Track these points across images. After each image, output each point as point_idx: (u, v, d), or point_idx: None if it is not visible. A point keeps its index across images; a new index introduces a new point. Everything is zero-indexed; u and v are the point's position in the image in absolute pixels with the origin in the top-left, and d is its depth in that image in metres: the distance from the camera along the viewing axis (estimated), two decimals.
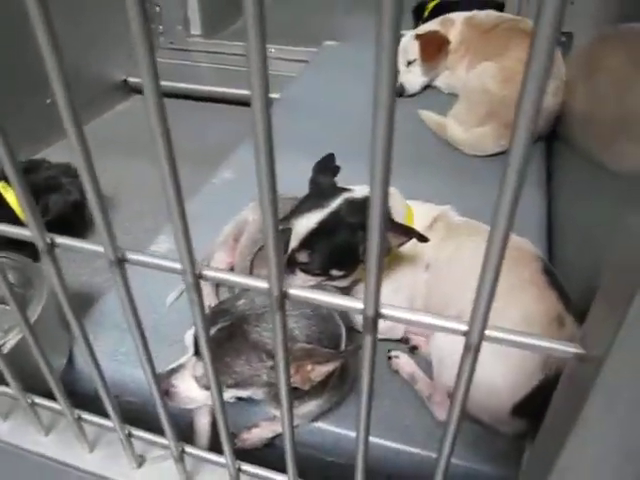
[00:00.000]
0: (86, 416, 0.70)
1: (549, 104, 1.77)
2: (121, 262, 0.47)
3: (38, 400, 0.73)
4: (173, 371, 0.83)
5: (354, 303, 0.41)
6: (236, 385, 0.79)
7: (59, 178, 1.59)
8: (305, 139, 1.64)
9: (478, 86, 1.81)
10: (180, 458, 0.67)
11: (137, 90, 2.55)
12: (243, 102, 2.33)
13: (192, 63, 2.64)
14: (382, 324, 1.21)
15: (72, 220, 1.61)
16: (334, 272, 1.01)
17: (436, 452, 0.49)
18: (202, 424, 1.00)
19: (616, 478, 0.37)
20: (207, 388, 0.78)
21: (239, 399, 0.85)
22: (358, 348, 0.82)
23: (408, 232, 0.96)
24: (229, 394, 0.81)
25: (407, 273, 1.11)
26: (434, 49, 2.01)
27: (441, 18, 2.10)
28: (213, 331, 0.78)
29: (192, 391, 0.82)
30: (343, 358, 0.76)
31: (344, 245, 0.98)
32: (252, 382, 0.79)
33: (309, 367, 0.76)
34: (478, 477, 0.98)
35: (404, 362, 1.12)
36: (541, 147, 1.86)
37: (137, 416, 0.73)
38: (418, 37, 2.04)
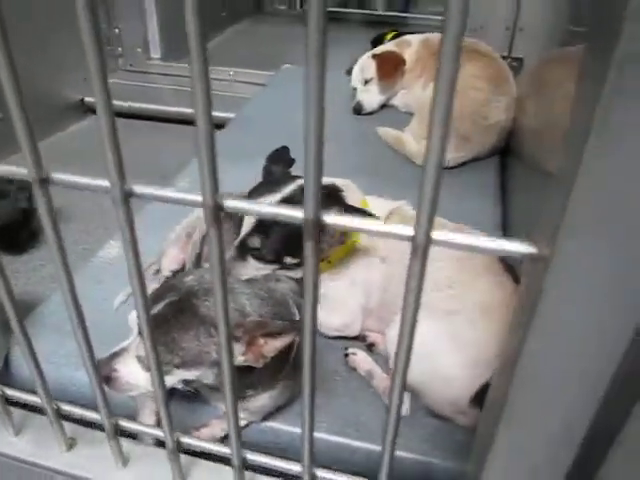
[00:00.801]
0: (11, 392, 0.64)
1: (501, 119, 1.82)
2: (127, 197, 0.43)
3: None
4: (115, 355, 0.78)
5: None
6: (184, 364, 0.74)
7: (6, 186, 1.53)
8: (256, 153, 1.62)
9: (428, 99, 1.85)
10: (114, 434, 0.62)
11: (93, 110, 2.52)
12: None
13: (151, 85, 2.63)
14: (337, 321, 1.17)
15: (18, 229, 1.55)
16: (288, 259, 0.99)
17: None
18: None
19: (579, 359, 0.36)
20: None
21: (186, 383, 0.80)
22: (298, 327, 0.79)
23: (357, 214, 0.94)
24: (176, 377, 0.76)
25: (363, 266, 1.09)
26: (390, 67, 2.06)
27: (397, 40, 2.16)
28: (160, 306, 0.74)
29: (135, 374, 0.76)
30: (297, 331, 0.72)
31: (297, 230, 0.95)
32: (201, 360, 0.74)
33: (262, 341, 0.72)
34: (438, 471, 0.94)
35: (361, 359, 1.09)
36: (495, 161, 1.90)
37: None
38: (375, 57, 2.08)
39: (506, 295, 0.97)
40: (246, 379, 0.79)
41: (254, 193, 0.98)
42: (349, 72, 2.25)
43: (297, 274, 1.04)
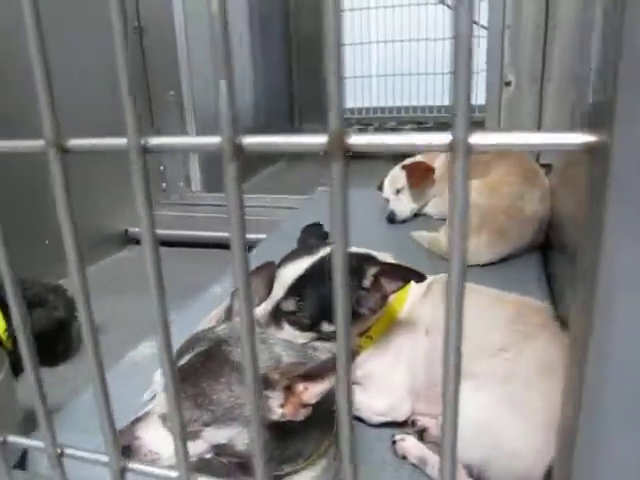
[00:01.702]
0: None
1: (537, 209, 1.79)
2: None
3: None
4: (137, 420, 0.68)
5: None
6: (215, 421, 0.64)
7: (45, 295, 1.54)
8: None
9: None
10: (58, 462, 0.53)
11: (135, 239, 2.62)
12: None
13: (191, 214, 2.75)
14: (382, 403, 1.07)
15: (56, 337, 1.53)
16: (325, 326, 0.92)
17: None
18: None
19: None
20: None
21: (217, 453, 0.70)
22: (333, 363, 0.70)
23: (403, 273, 0.89)
24: (205, 441, 0.66)
25: (406, 340, 1.01)
26: (420, 175, 2.11)
27: (424, 155, 2.24)
28: (187, 358, 0.67)
29: (159, 440, 0.66)
30: (332, 371, 0.63)
31: None
32: (233, 415, 0.64)
33: (301, 387, 0.64)
34: None
35: (411, 445, 0.96)
36: (537, 256, 1.84)
37: None
38: (404, 167, 2.15)
39: (565, 352, 0.86)
40: (283, 448, 0.69)
41: (288, 258, 0.95)
42: (380, 187, 2.31)
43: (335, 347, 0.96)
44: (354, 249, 0.99)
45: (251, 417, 0.43)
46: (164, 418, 0.66)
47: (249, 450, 0.67)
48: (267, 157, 3.86)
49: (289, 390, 0.64)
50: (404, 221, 2.16)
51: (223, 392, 0.63)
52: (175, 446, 0.49)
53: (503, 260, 1.79)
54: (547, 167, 2.37)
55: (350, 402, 0.41)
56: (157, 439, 0.65)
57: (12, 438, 0.59)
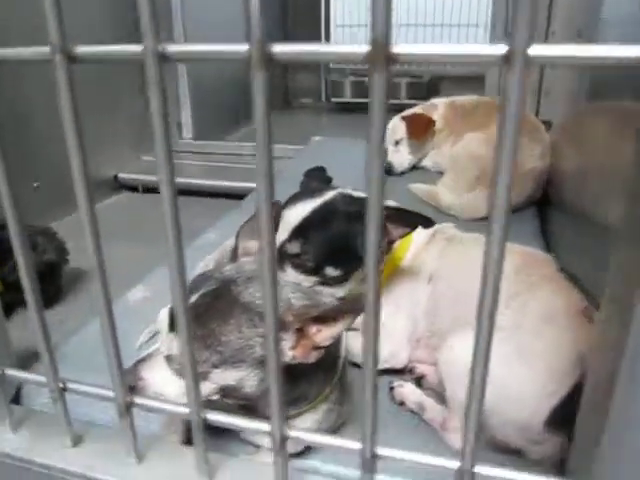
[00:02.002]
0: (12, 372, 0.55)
1: (537, 166, 1.77)
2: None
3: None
4: (141, 361, 0.66)
5: None
6: (224, 362, 0.62)
7: (34, 237, 1.50)
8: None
9: (465, 153, 1.83)
10: (60, 396, 0.52)
11: (125, 186, 2.57)
12: (228, 194, 2.38)
13: (182, 162, 2.70)
14: (383, 351, 1.06)
15: (47, 280, 1.50)
16: (329, 270, 0.90)
17: None
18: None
19: None
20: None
21: (224, 395, 0.68)
22: (360, 308, 0.68)
23: (411, 219, 0.87)
24: (213, 382, 0.64)
25: (407, 289, 1.00)
26: (420, 127, 2.06)
27: (424, 104, 2.19)
28: (194, 298, 0.64)
29: (164, 381, 0.64)
30: (354, 314, 0.61)
31: (341, 235, 0.88)
32: (243, 357, 0.62)
33: (313, 329, 0.62)
34: None
35: (409, 391, 0.96)
36: (533, 211, 1.83)
37: None
38: (404, 118, 2.10)
39: (570, 301, 0.86)
40: (288, 391, 0.68)
41: (292, 199, 0.92)
42: None
43: (338, 292, 0.95)
44: (358, 193, 0.97)
45: (268, 357, 0.42)
46: (169, 359, 0.64)
47: (256, 392, 0.65)
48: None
49: (301, 332, 0.62)
50: (402, 173, 2.12)
51: (232, 333, 0.61)
52: (187, 382, 0.47)
53: None
54: (547, 124, 2.33)
55: (376, 350, 0.40)
56: (162, 380, 0.63)
57: (11, 371, 0.57)
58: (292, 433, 0.46)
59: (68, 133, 0.39)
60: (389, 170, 2.09)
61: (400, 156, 2.12)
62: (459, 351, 0.87)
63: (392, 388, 0.97)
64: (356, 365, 0.99)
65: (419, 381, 1.00)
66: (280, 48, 0.33)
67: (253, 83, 0.34)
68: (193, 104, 2.80)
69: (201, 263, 1.12)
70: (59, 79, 0.38)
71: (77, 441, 0.55)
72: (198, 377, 0.49)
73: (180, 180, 2.13)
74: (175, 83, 2.72)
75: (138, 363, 0.64)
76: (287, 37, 4.21)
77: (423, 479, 0.60)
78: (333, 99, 4.28)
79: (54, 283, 1.55)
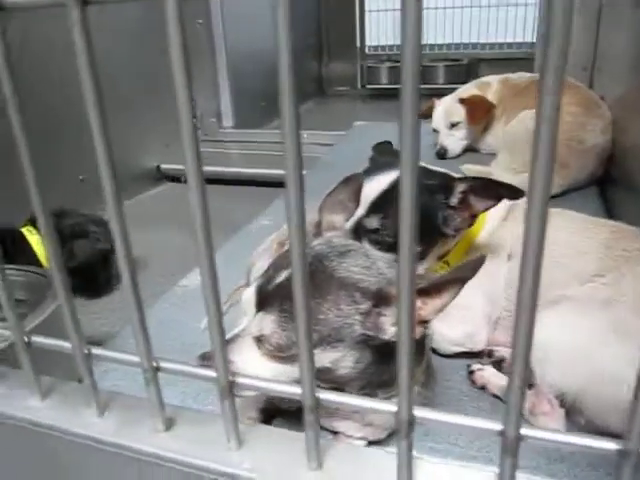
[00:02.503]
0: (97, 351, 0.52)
1: (598, 142, 1.68)
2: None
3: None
4: (227, 341, 0.63)
5: None
6: (321, 342, 0.58)
7: (87, 226, 1.49)
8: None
9: (521, 130, 1.75)
10: (154, 376, 0.48)
11: (168, 176, 2.56)
12: (269, 182, 2.34)
13: (223, 150, 2.68)
14: (459, 332, 1.00)
15: (98, 269, 1.49)
16: None
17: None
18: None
19: None
20: (280, 350, 0.58)
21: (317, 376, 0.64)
22: (481, 260, 0.62)
23: (496, 190, 0.81)
24: None
25: (486, 267, 0.94)
26: (481, 112, 1.98)
27: (477, 81, 2.11)
28: (283, 276, 0.59)
29: (254, 364, 0.60)
30: (463, 283, 0.57)
31: (422, 209, 0.83)
32: (342, 336, 0.58)
33: (419, 302, 0.57)
34: None
35: (491, 374, 0.91)
36: (595, 190, 1.74)
37: None
38: (462, 101, 2.02)
39: None
40: (380, 373, 0.63)
41: (368, 173, 0.88)
42: (421, 116, 2.20)
43: (418, 269, 0.90)
44: (434, 167, 0.92)
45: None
46: (260, 341, 0.60)
47: (349, 374, 0.61)
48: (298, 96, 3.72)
49: None
50: (455, 157, 2.05)
51: (331, 311, 0.57)
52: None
53: (563, 194, 1.70)
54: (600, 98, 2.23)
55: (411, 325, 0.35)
56: (253, 362, 0.60)
57: (98, 351, 0.54)
58: (419, 413, 0.42)
59: (87, 94, 0.36)
60: (443, 154, 2.03)
61: (454, 140, 2.05)
62: (547, 332, 0.82)
63: (472, 372, 0.92)
64: (434, 352, 0.94)
65: (499, 364, 0.94)
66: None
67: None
68: (232, 92, 2.77)
69: (261, 246, 1.09)
70: (73, 24, 0.35)
71: (169, 425, 0.52)
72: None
73: (222, 169, 2.12)
74: (214, 71, 2.69)
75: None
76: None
77: None
78: (369, 85, 4.21)
79: (106, 272, 1.54)
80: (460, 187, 0.83)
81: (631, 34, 1.92)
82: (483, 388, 0.90)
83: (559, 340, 0.79)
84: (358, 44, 4.20)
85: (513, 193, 0.81)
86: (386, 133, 2.48)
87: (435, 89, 3.94)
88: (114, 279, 1.61)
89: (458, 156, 2.05)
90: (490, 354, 0.96)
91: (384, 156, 0.94)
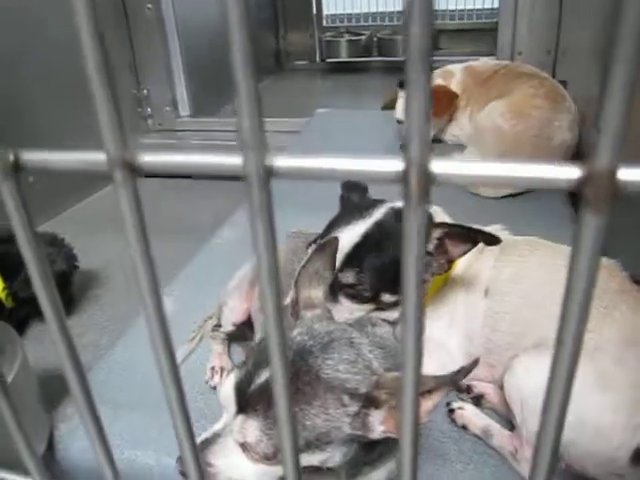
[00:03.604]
0: None
1: (566, 138, 1.67)
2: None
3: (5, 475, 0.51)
4: (206, 443, 0.58)
5: None
6: (308, 446, 0.55)
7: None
8: (299, 196, 1.47)
9: (488, 126, 1.72)
10: None
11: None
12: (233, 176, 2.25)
13: (181, 142, 2.56)
14: (434, 364, 0.97)
15: (58, 291, 1.41)
16: (386, 297, 0.82)
17: None
18: None
19: None
20: (266, 458, 0.55)
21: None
22: (468, 369, 0.61)
23: (471, 236, 0.79)
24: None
25: (462, 302, 0.93)
26: (445, 104, 1.93)
27: (440, 70, 2.06)
28: (264, 376, 0.56)
29: (239, 467, 0.57)
30: (453, 384, 0.55)
31: (397, 261, 0.80)
32: (330, 438, 0.55)
33: None
34: None
35: (471, 413, 0.90)
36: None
37: None
38: None
39: None
40: (368, 451, 0.61)
41: (338, 221, 0.84)
42: (385, 107, 2.16)
43: (393, 315, 0.87)
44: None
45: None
46: (245, 447, 0.56)
47: (337, 466, 0.59)
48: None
49: (394, 407, 0.55)
50: None
51: (318, 417, 0.54)
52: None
53: (528, 192, 1.69)
54: (563, 83, 2.22)
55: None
56: (236, 465, 0.56)
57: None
58: None
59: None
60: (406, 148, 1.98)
61: None
62: (531, 376, 0.81)
63: (452, 410, 0.91)
64: None
65: (478, 400, 0.94)
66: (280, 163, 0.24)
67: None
68: (188, 78, 2.64)
69: (232, 283, 1.04)
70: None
71: None
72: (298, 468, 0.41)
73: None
74: (167, 58, 2.55)
75: (203, 447, 0.57)
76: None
77: None
78: (328, 59, 4.10)
79: (66, 292, 1.46)
80: (436, 233, 0.80)
81: (595, 16, 1.90)
82: (464, 427, 0.90)
83: (541, 390, 0.78)
84: (315, 12, 4.05)
85: (490, 239, 0.78)
86: (349, 121, 2.42)
87: (397, 62, 3.88)
88: (74, 299, 1.54)
89: None
90: (469, 390, 0.95)
91: (353, 193, 0.90)
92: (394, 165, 0.23)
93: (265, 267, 0.26)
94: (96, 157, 0.28)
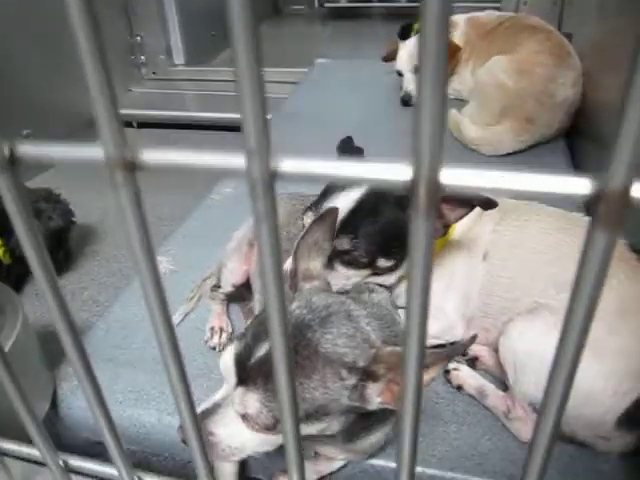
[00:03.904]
0: (75, 462, 0.49)
1: (569, 96, 1.64)
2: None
3: (9, 446, 0.52)
4: (207, 413, 0.59)
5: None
6: (307, 417, 0.56)
7: (39, 204, 1.40)
8: (302, 149, 1.46)
9: (490, 81, 1.68)
10: None
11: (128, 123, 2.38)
12: (231, 127, 2.21)
13: (176, 91, 2.50)
14: (434, 326, 0.99)
15: (53, 250, 1.41)
16: (381, 262, 0.83)
17: None
18: (227, 473, 0.78)
19: None
20: (267, 429, 0.56)
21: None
22: (466, 345, 0.62)
23: (469, 199, 0.78)
24: None
25: (461, 265, 0.93)
26: (449, 55, 1.88)
27: None
28: (264, 349, 0.56)
29: (239, 435, 0.58)
30: (450, 357, 0.56)
31: (392, 225, 0.80)
32: (328, 410, 0.57)
33: None
34: None
35: (467, 374, 0.92)
36: (562, 143, 1.72)
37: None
38: None
39: None
40: (364, 421, 0.63)
41: (332, 188, 0.83)
42: (386, 58, 2.10)
43: (389, 279, 0.88)
44: None
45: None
46: (245, 418, 0.57)
47: (335, 431, 0.60)
48: None
49: (392, 379, 0.55)
50: None
51: (317, 390, 0.55)
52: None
53: (528, 148, 1.67)
54: (568, 36, 2.16)
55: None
56: (236, 433, 0.58)
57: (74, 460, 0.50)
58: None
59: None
60: (408, 101, 1.95)
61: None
62: (525, 340, 0.82)
63: (447, 371, 0.93)
64: None
65: (472, 362, 0.95)
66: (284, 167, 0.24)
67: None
68: (182, 24, 2.55)
69: (231, 244, 1.04)
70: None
71: None
72: (299, 447, 0.42)
73: (176, 114, 1.99)
74: (160, 3, 2.46)
75: (204, 417, 0.58)
76: None
77: None
78: (327, 4, 3.97)
79: (63, 249, 1.46)
80: None
81: None
82: (459, 388, 0.92)
83: (534, 352, 0.80)
84: None
85: (486, 203, 0.78)
86: (349, 72, 2.36)
87: (397, 8, 3.75)
88: (71, 254, 1.54)
89: None
90: (464, 352, 0.96)
91: (349, 155, 0.88)
92: (402, 173, 0.23)
93: (270, 274, 0.25)
94: (94, 152, 0.27)
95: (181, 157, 0.26)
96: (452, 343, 0.97)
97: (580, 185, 0.22)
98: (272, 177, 0.24)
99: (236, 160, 0.24)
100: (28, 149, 0.29)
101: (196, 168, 0.26)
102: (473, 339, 0.57)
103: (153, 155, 0.26)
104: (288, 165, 0.24)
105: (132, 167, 0.26)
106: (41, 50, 1.93)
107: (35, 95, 1.92)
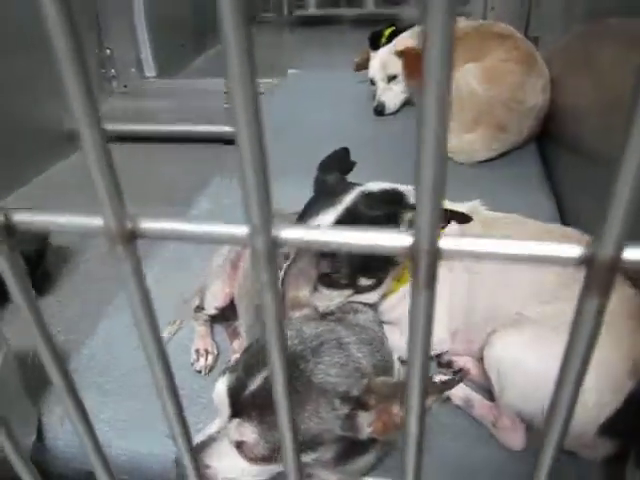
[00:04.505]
0: None
1: (538, 102, 1.68)
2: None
3: None
4: (203, 446, 0.59)
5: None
6: (301, 447, 0.57)
7: None
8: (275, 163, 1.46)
9: (463, 87, 1.71)
10: None
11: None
12: (204, 139, 2.20)
13: (148, 104, 2.48)
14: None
15: (31, 272, 1.39)
16: (362, 281, 0.84)
17: None
18: None
19: None
20: (263, 460, 0.57)
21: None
22: (459, 381, 0.63)
23: (444, 217, 0.79)
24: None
25: (444, 279, 0.94)
26: (419, 67, 1.89)
27: (414, 30, 2.02)
28: (257, 381, 0.57)
29: (236, 468, 0.59)
30: (445, 390, 0.57)
31: None
32: (322, 440, 0.58)
33: (395, 409, 0.56)
34: None
35: None
36: (533, 149, 1.76)
37: None
38: (400, 53, 1.92)
39: (626, 302, 0.82)
40: (356, 449, 0.63)
41: (310, 209, 0.84)
42: (358, 68, 2.13)
43: (372, 297, 0.89)
44: (378, 185, 0.89)
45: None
46: (241, 448, 0.57)
47: (330, 459, 0.61)
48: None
49: (383, 410, 0.56)
50: (394, 113, 2.00)
51: (311, 420, 0.55)
52: None
53: (500, 155, 1.71)
54: (535, 40, 2.20)
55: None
56: (232, 465, 0.58)
57: None
58: None
59: None
60: (381, 111, 1.96)
61: (393, 95, 1.98)
62: (509, 351, 0.84)
63: (433, 382, 0.95)
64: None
65: (457, 373, 0.97)
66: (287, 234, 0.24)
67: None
68: (152, 35, 2.53)
69: (213, 264, 1.03)
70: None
71: None
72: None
73: (150, 128, 1.96)
74: (130, 13, 2.43)
75: (199, 450, 0.58)
76: None
77: None
78: (296, 12, 3.98)
79: (42, 271, 1.44)
80: (408, 215, 0.81)
81: None
82: (447, 399, 0.93)
83: (518, 363, 0.82)
84: None
85: (462, 218, 0.79)
86: (323, 83, 2.36)
87: (365, 15, 3.78)
88: (49, 277, 1.51)
89: (397, 111, 2.00)
90: (449, 364, 0.98)
91: (329, 175, 0.89)
92: (402, 240, 0.24)
93: (275, 343, 0.26)
94: (93, 223, 0.27)
95: (183, 227, 0.26)
96: (438, 355, 0.99)
97: (573, 254, 0.22)
98: (274, 245, 0.24)
99: (238, 231, 0.25)
100: (24, 217, 0.29)
101: (197, 238, 0.26)
102: (465, 374, 0.58)
103: (154, 224, 0.26)
104: (290, 234, 0.24)
105: (132, 236, 0.26)
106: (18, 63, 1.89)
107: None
